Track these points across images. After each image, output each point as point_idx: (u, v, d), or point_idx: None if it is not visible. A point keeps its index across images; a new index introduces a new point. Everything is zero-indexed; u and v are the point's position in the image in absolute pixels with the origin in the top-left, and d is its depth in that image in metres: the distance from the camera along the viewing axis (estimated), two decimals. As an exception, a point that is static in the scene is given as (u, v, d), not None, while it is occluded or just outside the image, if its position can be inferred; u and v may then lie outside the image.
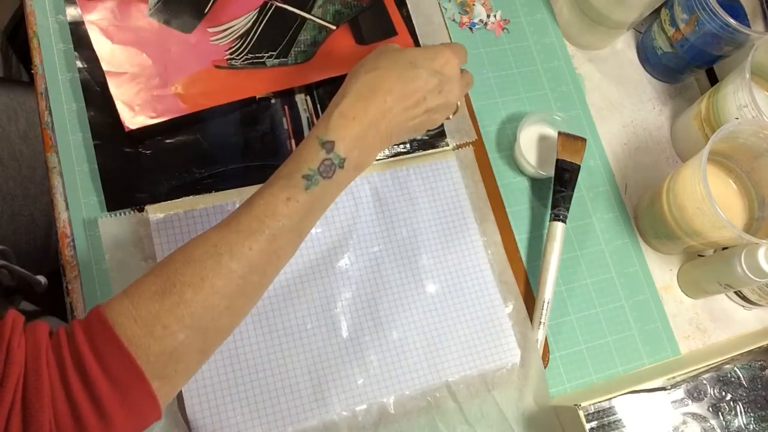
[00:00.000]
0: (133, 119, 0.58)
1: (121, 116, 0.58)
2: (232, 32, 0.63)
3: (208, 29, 0.63)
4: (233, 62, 0.62)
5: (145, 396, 0.39)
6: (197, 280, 0.41)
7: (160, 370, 0.39)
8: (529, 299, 0.64)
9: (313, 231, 0.61)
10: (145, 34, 0.61)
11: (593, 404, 0.56)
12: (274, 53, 0.63)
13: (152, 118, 0.58)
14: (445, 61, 0.52)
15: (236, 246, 0.43)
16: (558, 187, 0.65)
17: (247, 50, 0.63)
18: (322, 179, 0.46)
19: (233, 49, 0.63)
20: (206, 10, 0.64)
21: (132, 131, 0.57)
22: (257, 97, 0.63)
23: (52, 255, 0.74)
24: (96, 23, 0.60)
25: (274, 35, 0.64)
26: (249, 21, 0.64)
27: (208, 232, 0.44)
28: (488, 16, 0.74)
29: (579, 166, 0.65)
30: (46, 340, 0.38)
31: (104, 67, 0.59)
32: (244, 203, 0.45)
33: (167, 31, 0.62)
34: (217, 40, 0.63)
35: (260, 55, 0.63)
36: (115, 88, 0.58)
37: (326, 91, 0.65)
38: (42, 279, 0.68)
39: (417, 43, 0.69)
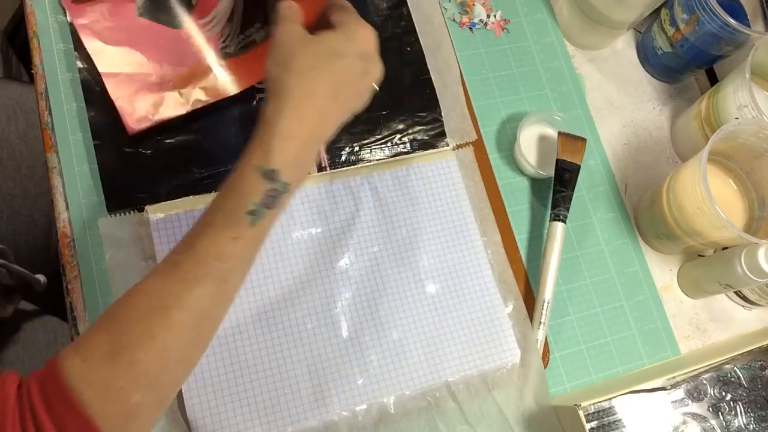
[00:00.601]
0: (135, 121, 0.58)
1: (123, 118, 0.57)
2: (218, 18, 0.62)
3: (198, 21, 0.63)
4: (227, 50, 0.62)
5: None
6: (147, 339, 0.39)
7: (119, 430, 0.38)
8: (529, 299, 0.64)
9: (313, 231, 0.61)
10: (136, 34, 0.61)
11: (593, 404, 0.56)
12: (260, 25, 0.62)
13: (153, 117, 0.58)
14: (363, 39, 0.49)
15: (184, 297, 0.41)
16: (558, 187, 0.65)
17: (236, 32, 0.62)
18: (267, 210, 0.43)
19: (224, 36, 0.62)
20: (194, 2, 0.63)
21: (135, 132, 0.57)
22: (258, 97, 0.63)
23: (52, 255, 0.74)
24: (87, 27, 0.60)
25: (256, 7, 0.63)
26: (230, 0, 0.63)
27: (151, 281, 0.42)
28: (488, 16, 0.74)
29: (579, 166, 0.65)
30: (13, 397, 0.37)
31: (100, 69, 0.59)
32: (183, 245, 0.42)
33: (158, 28, 0.61)
34: (208, 30, 0.62)
35: (249, 32, 0.62)
36: (113, 89, 0.58)
37: (326, 91, 0.65)
38: (41, 278, 0.68)
39: None
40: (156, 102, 0.59)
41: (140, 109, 0.58)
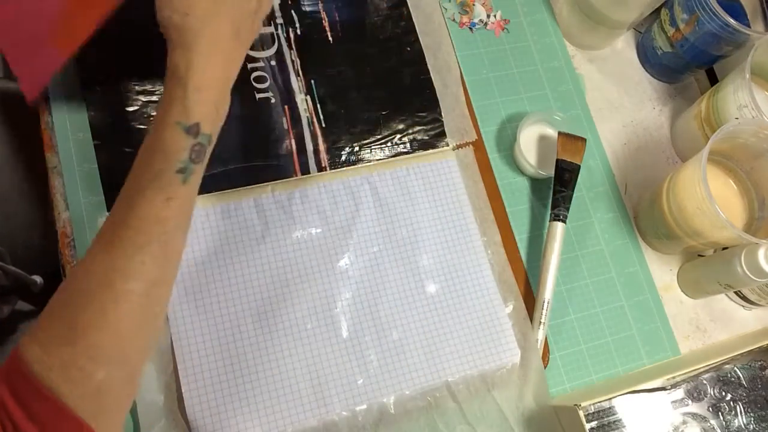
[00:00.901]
0: (29, 88, 0.54)
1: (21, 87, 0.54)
2: None
3: None
4: None
5: None
6: (99, 316, 0.39)
7: (93, 410, 0.38)
8: (529, 299, 0.64)
9: (312, 231, 0.61)
10: None
11: (593, 404, 0.56)
12: None
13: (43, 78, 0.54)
14: None
15: (128, 267, 0.40)
16: (558, 187, 0.65)
17: None
18: (195, 165, 0.42)
19: None
20: None
21: (34, 99, 0.54)
22: (258, 97, 0.63)
23: (50, 255, 0.74)
24: None
25: None
26: None
27: (93, 256, 0.41)
28: (488, 16, 0.74)
29: (579, 166, 0.65)
30: None
31: None
32: (118, 214, 0.41)
33: None
34: None
35: None
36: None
37: (327, 92, 0.65)
38: (38, 279, 0.68)
39: None
40: (40, 59, 0.53)
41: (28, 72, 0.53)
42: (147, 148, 0.43)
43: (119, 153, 0.59)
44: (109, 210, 0.57)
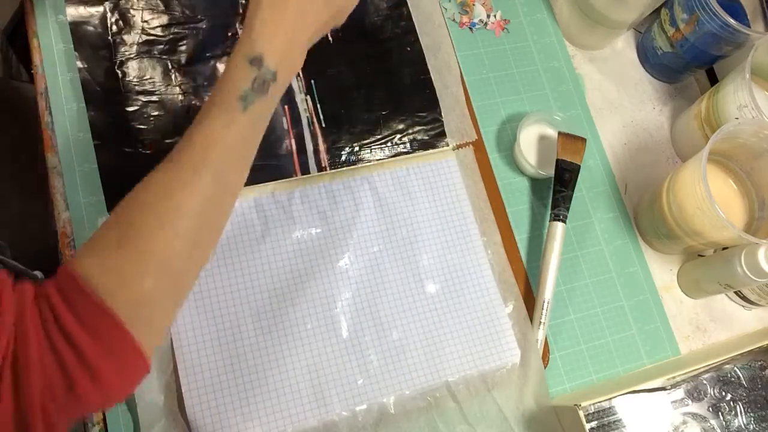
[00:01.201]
0: None
1: None
2: None
3: None
4: None
5: (129, 347, 0.39)
6: (153, 226, 0.40)
7: (136, 318, 0.39)
8: (529, 299, 0.64)
9: (312, 231, 0.61)
10: None
11: (593, 404, 0.56)
12: None
13: None
14: None
15: (188, 180, 0.42)
16: (558, 187, 0.65)
17: None
18: (257, 97, 0.44)
19: None
20: None
21: None
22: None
23: (50, 252, 0.74)
24: None
25: None
26: None
27: (155, 173, 0.43)
28: (488, 16, 0.74)
29: (579, 166, 0.65)
30: (31, 302, 0.38)
31: None
32: (182, 141, 0.44)
33: None
34: None
35: None
36: None
37: (327, 92, 0.65)
38: (39, 274, 0.68)
39: None
40: None
41: None
42: (218, 81, 0.45)
43: (119, 153, 0.59)
44: (109, 210, 0.57)
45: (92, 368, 0.37)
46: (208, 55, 0.63)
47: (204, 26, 0.64)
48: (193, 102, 0.62)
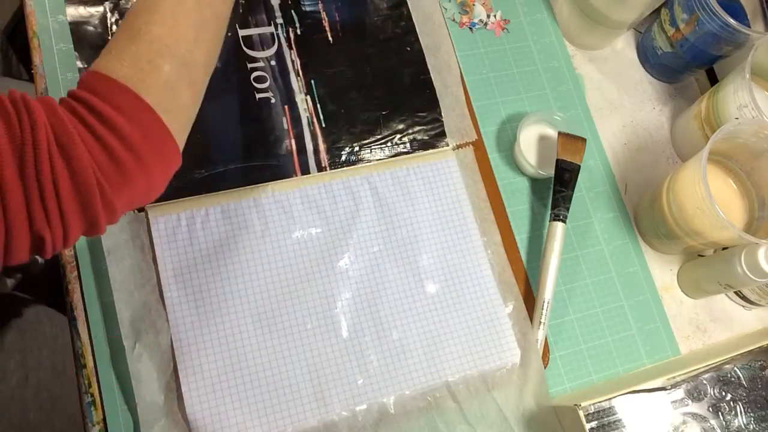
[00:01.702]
0: None
1: None
2: None
3: None
4: None
5: (160, 128, 0.41)
6: (159, 17, 0.43)
7: (162, 103, 0.41)
8: (529, 299, 0.64)
9: (312, 231, 0.61)
10: None
11: (593, 404, 0.56)
12: None
13: None
14: None
15: None
16: (558, 187, 0.65)
17: None
18: None
19: None
20: None
21: None
22: (258, 96, 0.63)
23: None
24: None
25: None
26: None
27: None
28: (488, 16, 0.74)
29: (579, 166, 0.65)
30: (55, 102, 0.39)
31: None
32: None
33: None
34: None
35: None
36: None
37: (327, 92, 0.65)
38: (38, 258, 0.68)
39: None
40: None
41: None
42: None
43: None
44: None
45: (133, 147, 0.39)
46: (208, 55, 0.63)
47: (204, 26, 0.64)
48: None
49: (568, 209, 0.64)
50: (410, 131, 0.66)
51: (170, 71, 0.42)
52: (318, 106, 0.65)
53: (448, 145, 0.66)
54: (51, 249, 0.37)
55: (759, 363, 0.61)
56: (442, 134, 0.66)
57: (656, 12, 0.71)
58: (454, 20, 0.73)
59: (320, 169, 0.62)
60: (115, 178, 0.38)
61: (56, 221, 0.36)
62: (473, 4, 0.74)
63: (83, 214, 0.38)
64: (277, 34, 0.66)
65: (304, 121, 0.64)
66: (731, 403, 0.59)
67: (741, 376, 0.60)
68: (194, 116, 0.46)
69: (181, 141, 0.44)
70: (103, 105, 0.39)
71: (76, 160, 0.36)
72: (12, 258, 0.36)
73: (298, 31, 0.67)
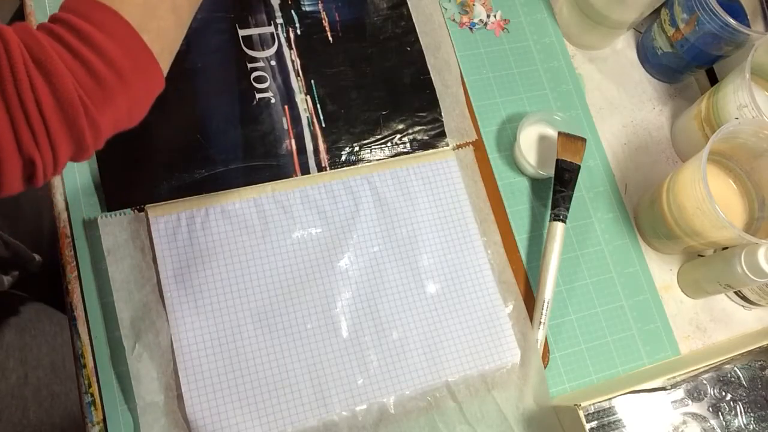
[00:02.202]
0: None
1: None
2: None
3: None
4: None
5: (141, 47, 0.40)
6: None
7: (142, 23, 0.40)
8: (529, 299, 0.64)
9: (312, 231, 0.61)
10: None
11: (593, 404, 0.56)
12: None
13: None
14: None
15: None
16: (558, 187, 0.65)
17: None
18: None
19: None
20: None
21: None
22: (258, 97, 0.63)
23: (45, 245, 0.74)
24: None
25: None
26: None
27: None
28: (488, 16, 0.74)
29: (579, 166, 0.65)
30: (29, 25, 0.38)
31: None
32: None
33: None
34: None
35: None
36: None
37: (327, 92, 0.65)
38: (37, 257, 0.68)
39: None
40: None
41: None
42: None
43: (119, 153, 0.59)
44: (108, 210, 0.57)
45: (113, 62, 0.38)
46: (208, 55, 0.63)
47: (204, 26, 0.64)
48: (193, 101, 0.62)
49: (568, 209, 0.64)
50: (410, 131, 0.66)
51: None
52: (318, 106, 0.65)
53: (448, 145, 0.66)
54: (42, 174, 0.37)
55: (759, 363, 0.61)
56: (442, 134, 0.66)
57: (656, 12, 0.71)
58: (454, 20, 0.73)
59: (320, 169, 0.62)
60: (96, 94, 0.37)
61: (44, 141, 0.36)
62: (473, 4, 0.74)
63: (69, 132, 0.37)
64: (277, 34, 0.66)
65: (304, 121, 0.64)
66: (731, 403, 0.59)
67: (741, 376, 0.60)
68: (178, 44, 0.45)
69: (163, 64, 0.42)
70: (82, 22, 0.38)
71: (55, 76, 0.35)
72: (5, 187, 0.36)
73: (298, 31, 0.67)
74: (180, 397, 0.54)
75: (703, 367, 0.60)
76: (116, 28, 0.39)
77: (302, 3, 0.68)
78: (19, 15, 0.99)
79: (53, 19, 0.38)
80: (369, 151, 0.64)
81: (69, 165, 0.58)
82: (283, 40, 0.66)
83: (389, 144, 0.65)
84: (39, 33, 0.37)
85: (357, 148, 0.64)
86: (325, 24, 0.68)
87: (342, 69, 0.66)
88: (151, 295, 0.55)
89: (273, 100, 0.64)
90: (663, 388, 0.58)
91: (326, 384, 0.56)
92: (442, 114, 0.67)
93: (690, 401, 0.58)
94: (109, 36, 0.38)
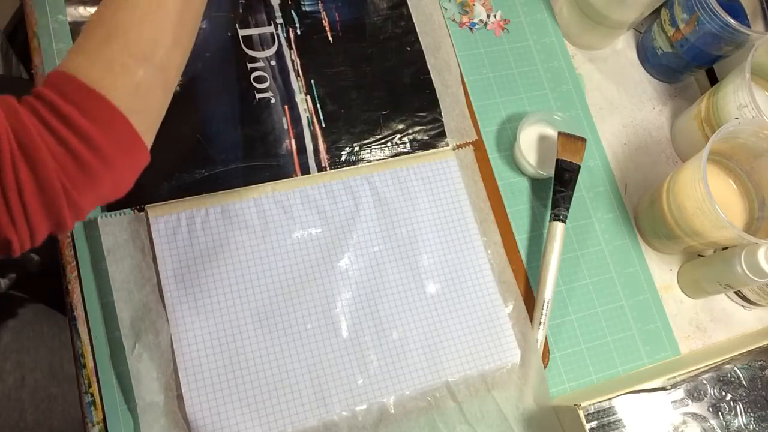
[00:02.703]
0: None
1: None
2: None
3: None
4: None
5: (127, 130, 0.40)
6: (137, 17, 0.41)
7: (131, 105, 0.40)
8: (529, 299, 0.64)
9: (312, 231, 0.61)
10: None
11: (593, 404, 0.56)
12: None
13: None
14: None
15: None
16: (558, 187, 0.65)
17: None
18: None
19: None
20: None
21: None
22: (258, 97, 0.63)
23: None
24: None
25: None
26: None
27: None
28: (488, 16, 0.74)
29: (579, 166, 0.65)
30: (16, 103, 0.38)
31: None
32: None
33: None
34: None
35: None
36: None
37: (327, 92, 0.65)
38: (35, 257, 0.67)
39: None
40: None
41: None
42: None
43: (119, 153, 0.59)
44: (109, 210, 0.57)
45: (100, 151, 0.38)
46: (208, 55, 0.63)
47: (204, 26, 0.64)
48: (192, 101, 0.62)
49: (568, 209, 0.64)
50: (410, 131, 0.66)
51: (144, 75, 0.41)
52: (318, 106, 0.65)
53: (448, 145, 0.66)
54: (19, 249, 0.38)
55: (759, 363, 0.61)
56: (442, 134, 0.66)
57: (656, 12, 0.71)
58: (454, 20, 0.73)
59: (320, 169, 0.62)
60: (80, 180, 0.38)
61: (22, 224, 0.37)
62: (473, 4, 0.74)
63: (48, 216, 0.38)
64: (277, 34, 0.66)
65: (304, 121, 0.64)
66: (731, 403, 0.59)
67: (741, 376, 0.60)
68: (165, 111, 0.45)
69: (149, 138, 0.43)
70: (68, 107, 0.38)
71: (40, 164, 0.36)
72: None
73: (298, 31, 0.67)
74: (180, 397, 0.54)
75: (703, 367, 0.60)
76: (104, 114, 0.39)
77: (302, 3, 0.68)
78: (20, 15, 1.00)
79: (40, 95, 0.38)
80: (369, 151, 0.64)
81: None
82: (283, 40, 0.66)
83: (389, 144, 0.65)
84: (25, 114, 0.37)
85: (357, 148, 0.64)
86: (325, 24, 0.68)
87: (342, 69, 0.66)
88: (151, 295, 0.55)
89: (273, 100, 0.64)
90: (663, 388, 0.58)
91: (326, 384, 0.56)
92: (442, 114, 0.67)
93: (690, 401, 0.58)
94: (95, 121, 0.39)
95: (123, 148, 0.40)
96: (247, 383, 0.55)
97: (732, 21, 0.62)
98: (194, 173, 0.59)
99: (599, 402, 0.57)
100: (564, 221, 0.64)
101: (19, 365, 0.64)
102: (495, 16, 0.74)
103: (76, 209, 0.39)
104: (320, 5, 0.68)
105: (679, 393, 0.58)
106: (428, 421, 0.58)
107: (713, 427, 0.58)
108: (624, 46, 0.78)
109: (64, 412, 0.67)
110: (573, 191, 0.65)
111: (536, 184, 0.69)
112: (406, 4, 0.70)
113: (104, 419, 0.53)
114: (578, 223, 0.68)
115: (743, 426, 0.59)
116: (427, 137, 0.66)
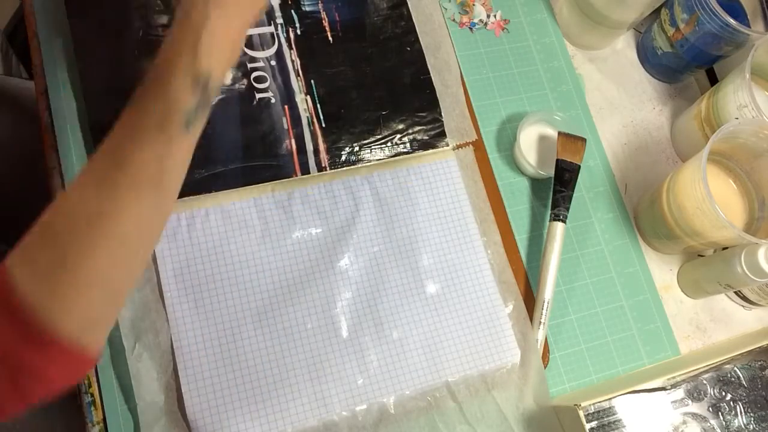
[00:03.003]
0: None
1: None
2: None
3: None
4: None
5: (74, 357, 0.39)
6: (89, 252, 0.38)
7: (83, 335, 0.39)
8: (529, 299, 0.64)
9: (313, 231, 0.61)
10: None
11: (593, 404, 0.56)
12: None
13: None
14: None
15: (121, 210, 0.39)
16: (558, 187, 0.65)
17: None
18: (200, 113, 0.41)
19: None
20: None
21: None
22: (258, 97, 0.63)
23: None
24: None
25: None
26: None
27: (81, 193, 0.40)
28: (488, 16, 0.74)
29: (579, 166, 0.65)
30: None
31: None
32: (106, 156, 0.40)
33: None
34: None
35: None
36: None
37: (327, 92, 0.65)
38: None
39: None
40: None
41: None
42: (148, 93, 0.41)
43: (119, 153, 0.59)
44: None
45: (38, 376, 0.37)
46: (208, 55, 0.63)
47: (204, 26, 0.64)
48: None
49: (568, 209, 0.64)
50: (410, 131, 0.66)
51: (99, 305, 0.40)
52: (318, 106, 0.65)
53: (448, 145, 0.66)
54: None
55: (759, 363, 0.61)
56: (442, 134, 0.66)
57: (656, 12, 0.71)
58: (454, 20, 0.73)
59: (320, 169, 0.62)
60: (12, 399, 0.38)
61: None
62: (473, 4, 0.74)
63: None
64: (277, 34, 0.66)
65: (304, 121, 0.64)
66: (731, 403, 0.59)
67: (741, 376, 0.60)
68: (115, 319, 0.45)
69: (102, 344, 0.42)
70: (12, 338, 0.36)
71: None
72: None
73: (298, 31, 0.67)
74: (180, 397, 0.54)
75: (703, 367, 0.60)
76: (51, 348, 0.37)
77: (302, 3, 0.68)
78: (20, 15, 1.00)
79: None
80: (369, 151, 0.64)
81: (69, 164, 0.58)
82: (283, 40, 0.66)
83: (389, 144, 0.65)
84: None
85: (357, 148, 0.64)
86: (325, 24, 0.68)
87: (342, 69, 0.66)
88: (151, 295, 0.55)
89: (273, 100, 0.64)
90: (663, 388, 0.58)
91: (326, 384, 0.56)
92: (442, 114, 0.67)
93: (690, 401, 0.58)
94: (41, 353, 0.37)
95: (67, 371, 0.39)
96: (247, 383, 0.55)
97: (732, 21, 0.62)
98: (194, 173, 0.59)
99: (599, 402, 0.57)
100: (564, 221, 0.64)
101: None
102: (495, 16, 0.74)
103: (8, 416, 0.38)
104: (320, 5, 0.68)
105: (679, 393, 0.58)
106: (428, 421, 0.58)
107: (713, 427, 0.58)
108: (624, 46, 0.78)
109: (64, 411, 0.67)
110: (573, 191, 0.65)
111: (536, 184, 0.69)
112: (406, 4, 0.70)
113: (104, 419, 0.53)
114: (578, 223, 0.68)
115: (743, 426, 0.59)
116: (427, 137, 0.66)
